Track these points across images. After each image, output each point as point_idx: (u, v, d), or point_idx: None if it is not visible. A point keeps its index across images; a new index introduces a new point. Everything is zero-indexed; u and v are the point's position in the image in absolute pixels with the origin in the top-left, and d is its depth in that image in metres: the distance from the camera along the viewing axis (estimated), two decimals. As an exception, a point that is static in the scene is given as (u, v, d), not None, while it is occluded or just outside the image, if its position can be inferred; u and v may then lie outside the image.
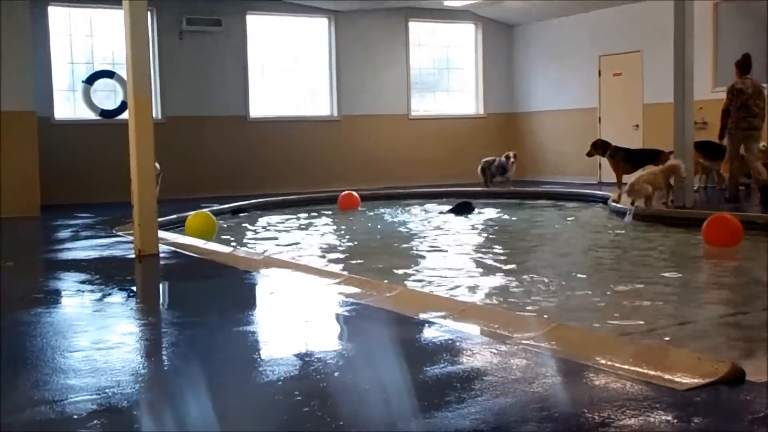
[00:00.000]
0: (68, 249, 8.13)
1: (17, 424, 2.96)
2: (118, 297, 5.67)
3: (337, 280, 5.73)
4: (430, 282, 6.59)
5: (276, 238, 9.97)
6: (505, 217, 11.86)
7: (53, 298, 5.73)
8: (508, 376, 3.37)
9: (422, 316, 4.54)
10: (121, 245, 8.11)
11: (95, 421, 2.95)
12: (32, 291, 5.86)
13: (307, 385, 3.35)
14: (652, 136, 14.38)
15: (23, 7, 11.85)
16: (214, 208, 11.48)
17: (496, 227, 10.73)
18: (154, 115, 8.15)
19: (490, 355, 3.72)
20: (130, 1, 7.25)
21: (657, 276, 6.89)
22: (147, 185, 7.39)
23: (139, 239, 7.30)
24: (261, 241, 9.73)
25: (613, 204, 11.37)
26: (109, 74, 14.10)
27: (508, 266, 7.50)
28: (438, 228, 10.61)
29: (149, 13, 8.74)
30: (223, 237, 9.40)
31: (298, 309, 5.06)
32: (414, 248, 8.92)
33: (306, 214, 12.38)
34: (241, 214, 12.41)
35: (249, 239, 9.85)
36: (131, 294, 5.96)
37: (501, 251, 8.68)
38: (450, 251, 8.52)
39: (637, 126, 15.17)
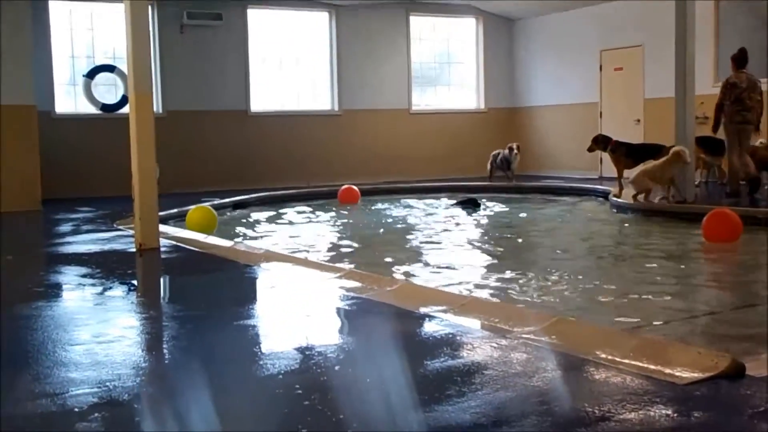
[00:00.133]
0: (69, 243, 8.14)
1: (18, 417, 2.96)
2: (118, 291, 5.68)
3: (338, 274, 5.73)
4: (430, 276, 6.59)
5: (276, 232, 9.97)
6: (506, 211, 11.86)
7: (54, 291, 5.74)
8: (508, 370, 3.38)
9: (423, 310, 4.54)
10: (121, 239, 8.11)
11: (96, 414, 2.96)
12: (33, 285, 5.86)
13: (308, 378, 3.35)
14: (653, 131, 14.36)
15: (24, 1, 11.84)
16: (215, 202, 11.49)
17: (497, 221, 10.73)
18: (154, 109, 8.15)
19: (490, 349, 3.72)
20: (131, -5, 7.25)
21: (657, 271, 6.89)
22: (148, 179, 7.39)
23: (139, 233, 7.31)
24: (261, 235, 9.73)
25: (614, 199, 11.36)
26: (109, 68, 14.11)
27: (509, 260, 7.50)
28: (439, 222, 10.61)
29: (150, 7, 8.75)
30: (224, 231, 9.40)
31: (298, 303, 5.06)
32: (415, 242, 8.92)
33: (307, 209, 12.38)
34: (241, 210, 12.41)
35: (249, 233, 9.85)
36: (132, 288, 5.96)
37: (501, 245, 8.68)
38: (450, 246, 8.52)
39: (639, 121, 15.15)
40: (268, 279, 6.10)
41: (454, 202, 12.51)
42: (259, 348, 4.04)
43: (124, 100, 13.24)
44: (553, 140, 17.03)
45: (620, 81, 15.58)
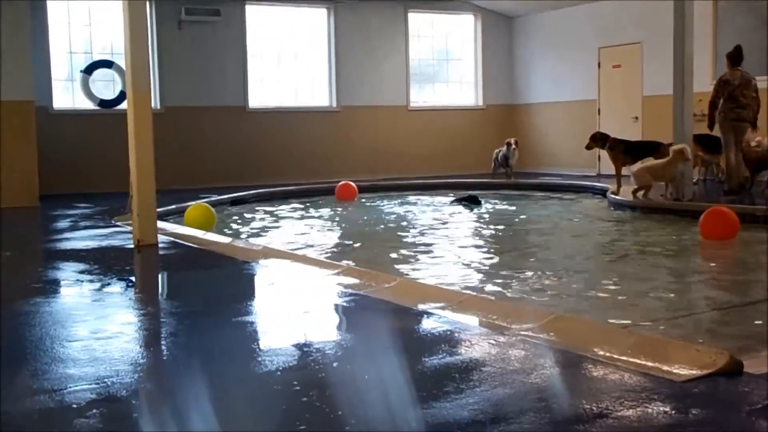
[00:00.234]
0: (67, 239, 8.13)
1: (16, 413, 2.96)
2: (117, 287, 5.67)
3: (336, 271, 5.73)
4: (429, 273, 6.59)
5: (275, 229, 9.97)
6: (504, 208, 11.86)
7: (52, 287, 5.73)
8: (506, 366, 3.38)
9: (421, 307, 4.54)
10: (120, 235, 8.10)
11: (94, 410, 2.95)
12: (31, 281, 5.86)
13: (306, 375, 3.35)
14: (651, 129, 14.37)
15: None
16: (213, 198, 11.48)
17: (495, 218, 10.73)
18: (152, 105, 8.14)
19: (488, 346, 3.73)
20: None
21: (655, 268, 6.90)
22: (146, 175, 7.38)
23: (138, 229, 7.30)
24: (260, 231, 9.73)
25: (612, 196, 11.37)
26: (107, 64, 14.08)
27: (507, 257, 7.50)
28: (437, 219, 10.61)
29: (148, 3, 8.72)
30: (222, 227, 9.40)
31: (296, 299, 5.06)
32: (413, 239, 8.91)
33: (305, 205, 12.38)
34: (239, 206, 12.40)
35: (248, 230, 9.85)
36: (130, 284, 5.96)
37: (499, 242, 8.68)
38: (449, 242, 8.52)
39: (637, 118, 15.16)
40: (266, 275, 6.09)
41: (454, 198, 12.51)
42: (258, 344, 4.04)
43: (122, 96, 13.22)
44: (551, 137, 17.03)
45: (618, 78, 15.58)
